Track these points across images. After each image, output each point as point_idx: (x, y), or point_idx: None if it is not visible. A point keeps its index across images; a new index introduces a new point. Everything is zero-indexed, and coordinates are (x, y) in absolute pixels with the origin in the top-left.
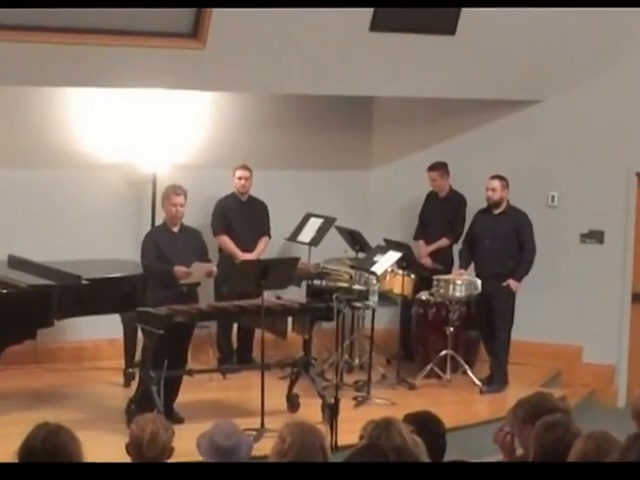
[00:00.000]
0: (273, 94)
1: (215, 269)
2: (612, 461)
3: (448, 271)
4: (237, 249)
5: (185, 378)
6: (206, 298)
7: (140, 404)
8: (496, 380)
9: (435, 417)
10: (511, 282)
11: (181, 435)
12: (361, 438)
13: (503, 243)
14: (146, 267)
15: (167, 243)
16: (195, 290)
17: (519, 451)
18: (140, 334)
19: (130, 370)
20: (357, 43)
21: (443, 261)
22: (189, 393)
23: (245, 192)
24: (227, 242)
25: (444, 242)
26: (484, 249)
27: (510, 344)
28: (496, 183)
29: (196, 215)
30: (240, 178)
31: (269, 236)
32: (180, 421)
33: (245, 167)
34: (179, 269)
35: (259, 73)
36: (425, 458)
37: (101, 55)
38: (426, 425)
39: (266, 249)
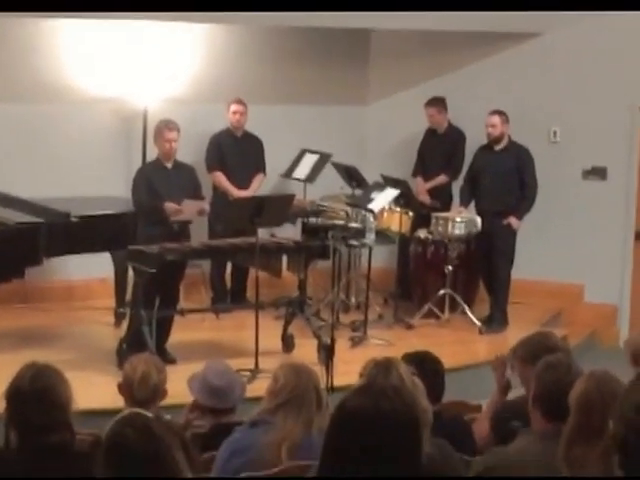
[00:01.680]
0: (268, 26)
1: (207, 207)
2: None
3: (447, 208)
4: (231, 186)
5: (178, 318)
6: (200, 236)
7: (131, 344)
8: (495, 319)
9: (434, 357)
10: (512, 220)
11: (174, 376)
12: (361, 377)
13: (504, 180)
14: (136, 203)
15: (159, 179)
16: (187, 228)
17: (518, 390)
18: (131, 273)
19: (121, 310)
20: None
21: (442, 198)
22: (182, 333)
23: (240, 127)
24: (221, 179)
25: (443, 179)
26: (485, 186)
27: (510, 283)
28: (496, 119)
29: (189, 151)
30: (235, 112)
31: (264, 173)
32: (172, 362)
33: (240, 101)
34: (170, 205)
35: (254, 4)
36: (424, 400)
37: None
38: (424, 365)
39: (261, 186)
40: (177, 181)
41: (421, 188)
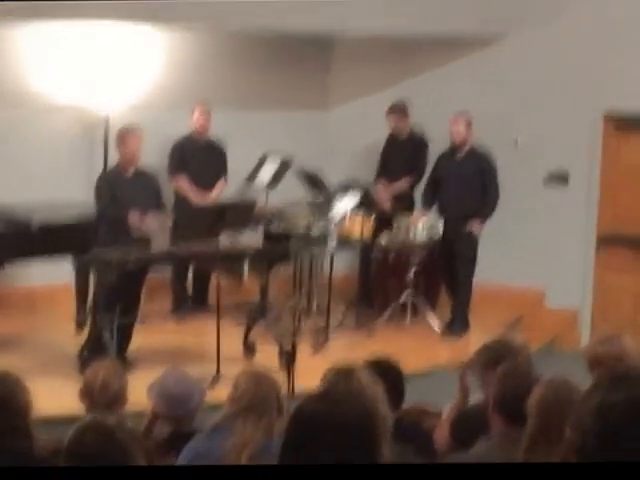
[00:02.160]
0: (228, 32)
1: (169, 222)
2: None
3: (409, 214)
4: (194, 191)
5: (139, 323)
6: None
7: (92, 350)
8: (457, 323)
9: (393, 363)
10: (474, 224)
11: (135, 382)
12: (322, 384)
13: (466, 185)
14: (100, 211)
15: (121, 187)
16: (147, 240)
17: (477, 395)
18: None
19: (82, 316)
20: None
21: (404, 204)
22: (143, 338)
23: (204, 131)
24: (183, 184)
25: (404, 184)
26: (447, 191)
27: (472, 287)
28: (460, 124)
29: (152, 157)
30: (198, 117)
31: (226, 179)
32: (134, 367)
33: (203, 107)
34: (133, 217)
35: (213, 8)
36: (384, 407)
37: None
38: (384, 371)
39: (223, 191)
40: (139, 189)
41: (383, 194)
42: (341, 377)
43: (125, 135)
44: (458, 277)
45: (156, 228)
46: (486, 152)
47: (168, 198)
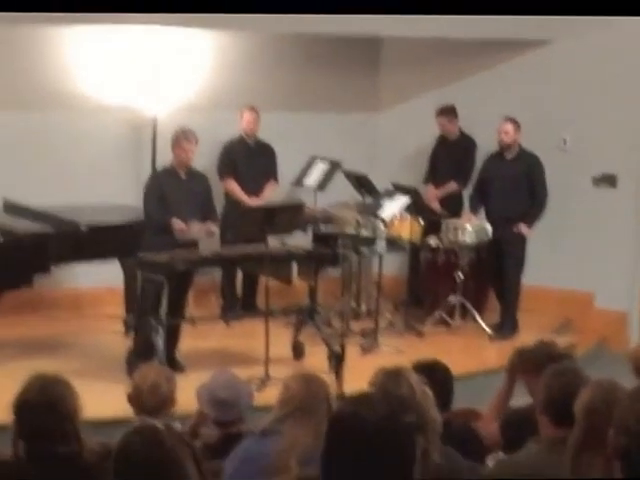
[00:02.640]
0: (278, 33)
1: (215, 229)
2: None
3: (457, 216)
4: (243, 193)
5: (188, 326)
6: (210, 243)
7: (140, 353)
8: (506, 326)
9: (442, 365)
10: (522, 226)
11: (184, 385)
12: (371, 386)
13: (514, 187)
14: (146, 213)
15: (172, 188)
16: (194, 242)
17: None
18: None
19: (131, 318)
20: None
21: (452, 206)
22: (192, 341)
23: (252, 134)
24: (233, 186)
25: (453, 186)
26: (495, 193)
27: (521, 290)
28: (509, 126)
29: (200, 159)
30: (248, 120)
31: (276, 181)
32: (182, 370)
33: (252, 108)
34: (177, 223)
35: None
36: (434, 410)
37: None
38: (433, 374)
39: (273, 194)
40: (189, 190)
41: (432, 195)
42: (390, 379)
43: (181, 137)
44: (507, 279)
45: (202, 234)
46: (534, 154)
47: (219, 200)
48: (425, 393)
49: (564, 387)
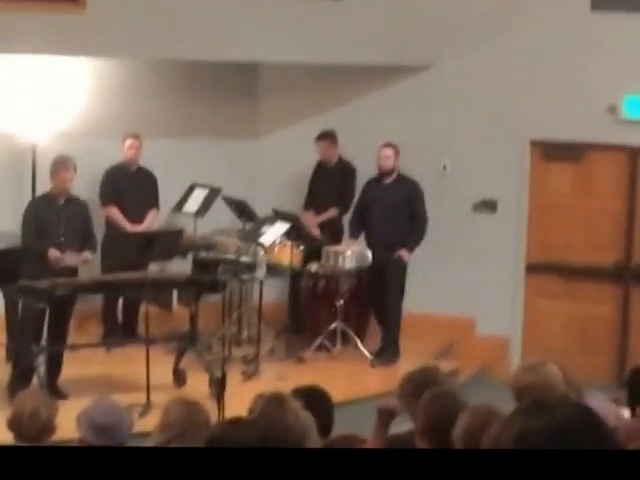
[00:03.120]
0: (156, 60)
1: (90, 257)
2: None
3: (337, 242)
4: (125, 221)
5: (69, 352)
6: (91, 269)
7: (20, 380)
8: (387, 351)
9: (322, 391)
10: (402, 252)
11: (66, 411)
12: (250, 412)
13: (394, 212)
14: (24, 240)
15: (50, 215)
16: (74, 269)
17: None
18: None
19: (12, 345)
20: (242, 5)
21: (332, 232)
22: (73, 368)
23: (135, 162)
24: (115, 213)
25: (333, 212)
26: (375, 218)
27: (402, 315)
28: (388, 151)
29: (78, 185)
30: (130, 147)
31: (158, 208)
32: (64, 397)
33: (135, 136)
34: (53, 253)
35: (142, 38)
36: (314, 436)
37: None
38: (313, 400)
39: (154, 221)
40: (67, 217)
41: (311, 222)
42: (274, 406)
43: (59, 164)
44: (388, 305)
45: (77, 262)
46: (413, 179)
47: (100, 226)
48: (308, 420)
49: (442, 411)
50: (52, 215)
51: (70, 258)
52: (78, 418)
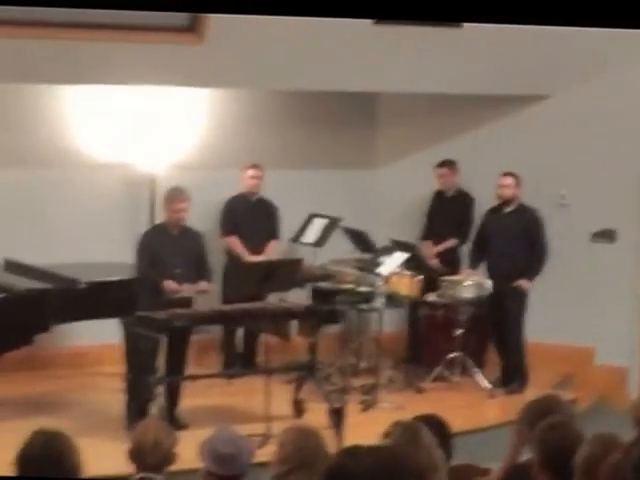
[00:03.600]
0: (274, 91)
1: (208, 288)
2: (612, 463)
3: (456, 272)
4: (245, 251)
5: (189, 383)
6: (213, 300)
7: (137, 411)
8: (514, 381)
9: (441, 420)
10: (523, 282)
11: (186, 441)
12: (385, 436)
13: (514, 242)
14: (138, 272)
15: (164, 246)
16: (189, 299)
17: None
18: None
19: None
20: (360, 36)
21: (451, 262)
22: (193, 398)
23: (256, 192)
24: (235, 244)
25: (452, 242)
26: (495, 248)
27: (524, 345)
28: (509, 180)
29: (195, 217)
30: (252, 177)
31: (278, 239)
32: (184, 427)
33: (257, 166)
34: (169, 285)
35: (260, 69)
36: (444, 477)
37: (96, 51)
38: (432, 429)
39: (274, 252)
40: (182, 248)
41: (430, 252)
42: (411, 436)
43: (173, 195)
44: (509, 335)
45: (193, 294)
46: (533, 208)
47: (220, 257)
48: (438, 456)
49: (559, 442)
50: (167, 246)
51: (187, 289)
52: (200, 446)
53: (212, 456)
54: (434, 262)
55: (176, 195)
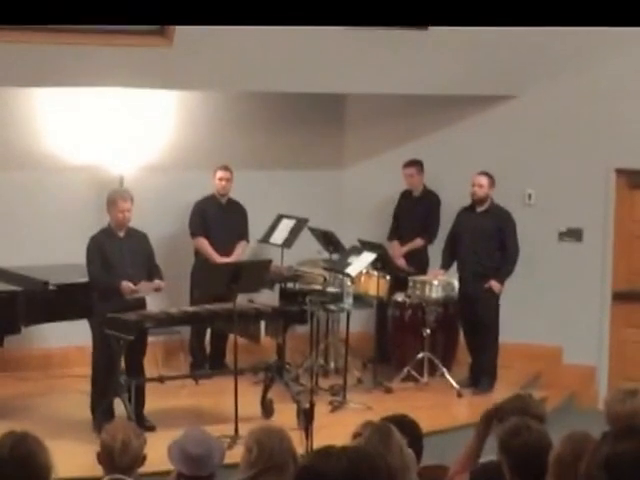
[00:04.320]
0: (243, 92)
1: (163, 285)
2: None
3: (423, 272)
4: (214, 252)
5: (157, 385)
6: (181, 301)
7: (106, 412)
8: (482, 382)
9: (411, 420)
10: (493, 283)
11: (154, 443)
12: (354, 437)
13: (485, 242)
14: (91, 276)
15: (112, 248)
16: (142, 300)
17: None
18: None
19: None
20: (328, 38)
21: (418, 262)
22: (161, 400)
23: (225, 194)
24: (205, 245)
25: (418, 242)
26: (466, 247)
27: (498, 345)
28: (483, 179)
29: (166, 218)
30: (221, 179)
31: (247, 240)
32: (152, 429)
33: (226, 168)
34: (126, 285)
35: (228, 71)
36: (414, 477)
37: (67, 53)
38: (402, 429)
39: (243, 253)
40: (130, 249)
41: (397, 252)
42: (382, 436)
43: (117, 198)
44: (481, 336)
45: (150, 291)
46: (505, 209)
47: (189, 257)
48: (409, 457)
49: (523, 449)
50: (114, 248)
51: (144, 287)
52: (170, 448)
53: (182, 457)
54: (401, 262)
55: (120, 195)
